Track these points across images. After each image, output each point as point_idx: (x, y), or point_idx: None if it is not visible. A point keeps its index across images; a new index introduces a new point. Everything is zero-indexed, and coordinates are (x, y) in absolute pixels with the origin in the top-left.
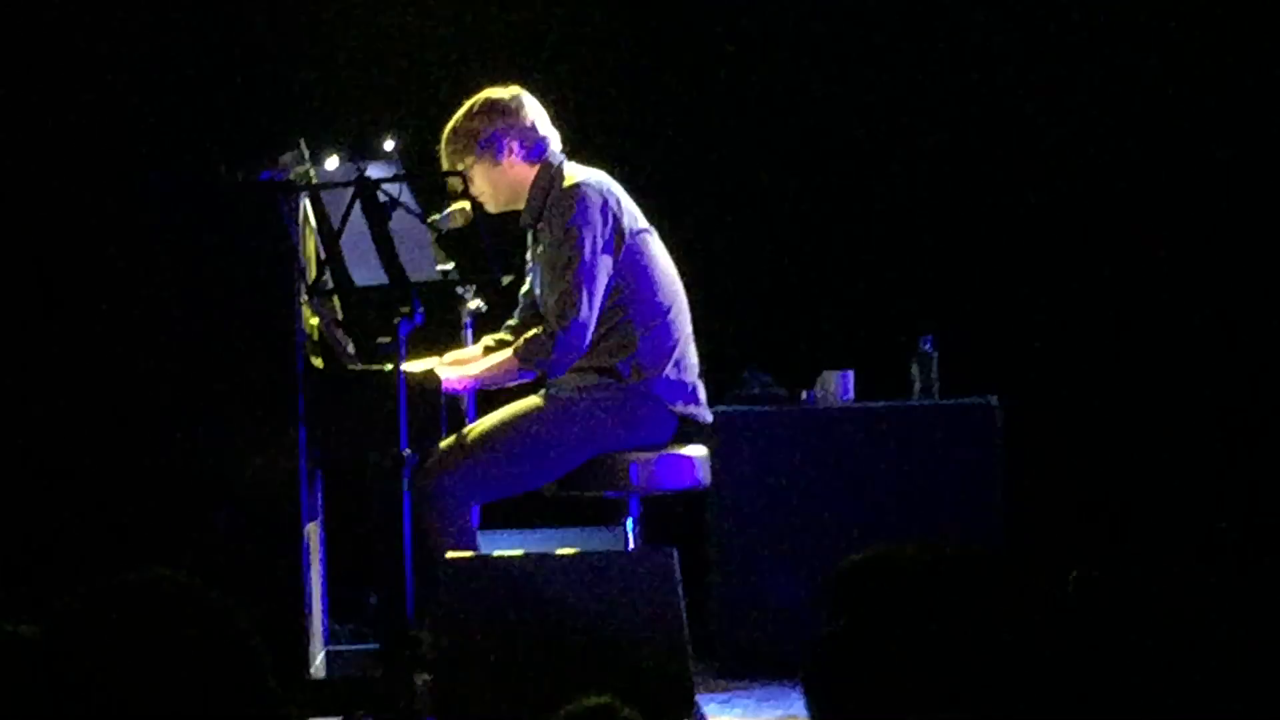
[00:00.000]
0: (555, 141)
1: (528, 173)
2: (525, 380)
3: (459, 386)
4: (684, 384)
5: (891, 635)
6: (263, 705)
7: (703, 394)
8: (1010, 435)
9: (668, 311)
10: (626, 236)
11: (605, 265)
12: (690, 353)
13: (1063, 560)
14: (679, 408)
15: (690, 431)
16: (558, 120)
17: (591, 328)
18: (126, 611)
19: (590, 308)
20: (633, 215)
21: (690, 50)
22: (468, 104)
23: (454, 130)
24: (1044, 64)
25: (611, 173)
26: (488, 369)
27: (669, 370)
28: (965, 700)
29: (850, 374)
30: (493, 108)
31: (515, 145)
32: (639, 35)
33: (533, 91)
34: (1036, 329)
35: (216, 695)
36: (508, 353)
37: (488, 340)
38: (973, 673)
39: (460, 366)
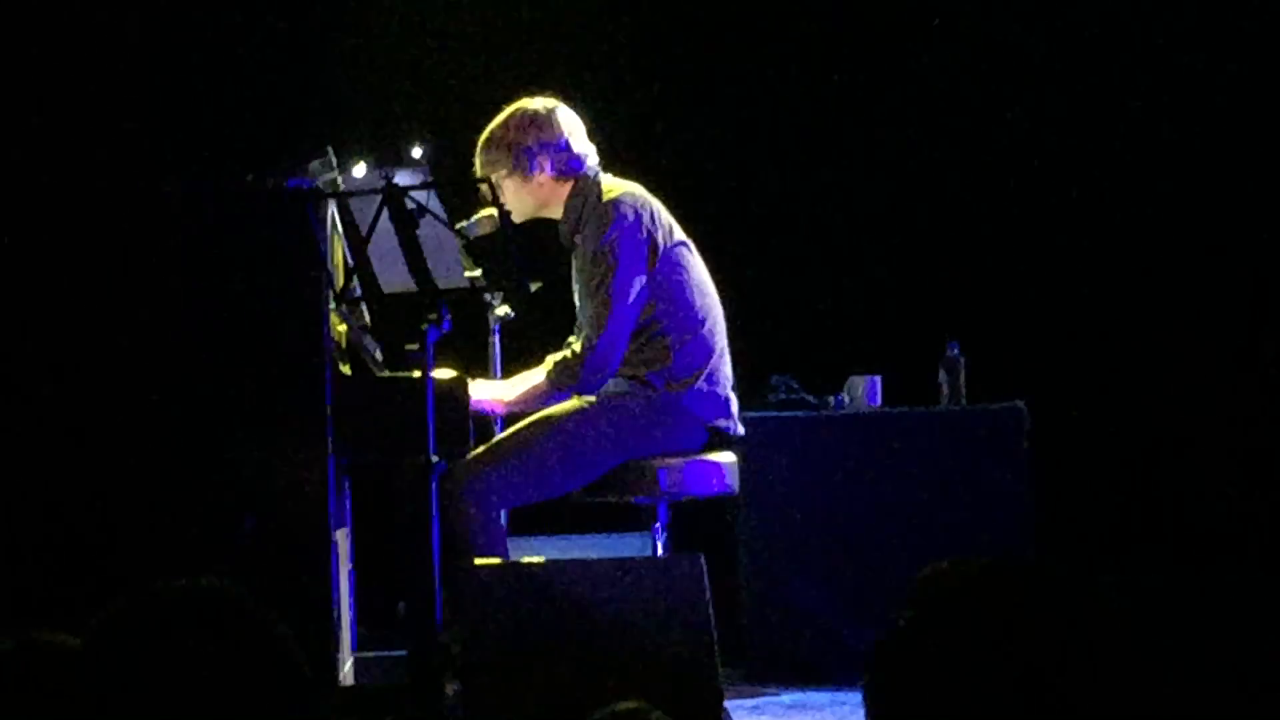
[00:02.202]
0: (591, 157)
1: (557, 189)
2: (558, 401)
3: (491, 409)
4: (716, 396)
5: (963, 644)
6: (304, 713)
7: (735, 407)
8: (1038, 440)
9: (703, 324)
10: (662, 250)
11: (639, 282)
12: (724, 366)
13: (1090, 566)
14: (710, 421)
15: (721, 443)
16: (588, 126)
17: (622, 346)
18: (171, 621)
19: (620, 327)
20: (669, 228)
21: (720, 59)
22: (504, 113)
23: (488, 139)
24: (1072, 69)
25: (641, 181)
26: (520, 395)
27: (701, 384)
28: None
29: (878, 379)
30: (527, 121)
31: (547, 163)
32: (669, 45)
33: (564, 100)
34: (1064, 334)
35: (258, 706)
36: (540, 377)
37: (554, 357)
38: (1040, 687)
39: (494, 389)
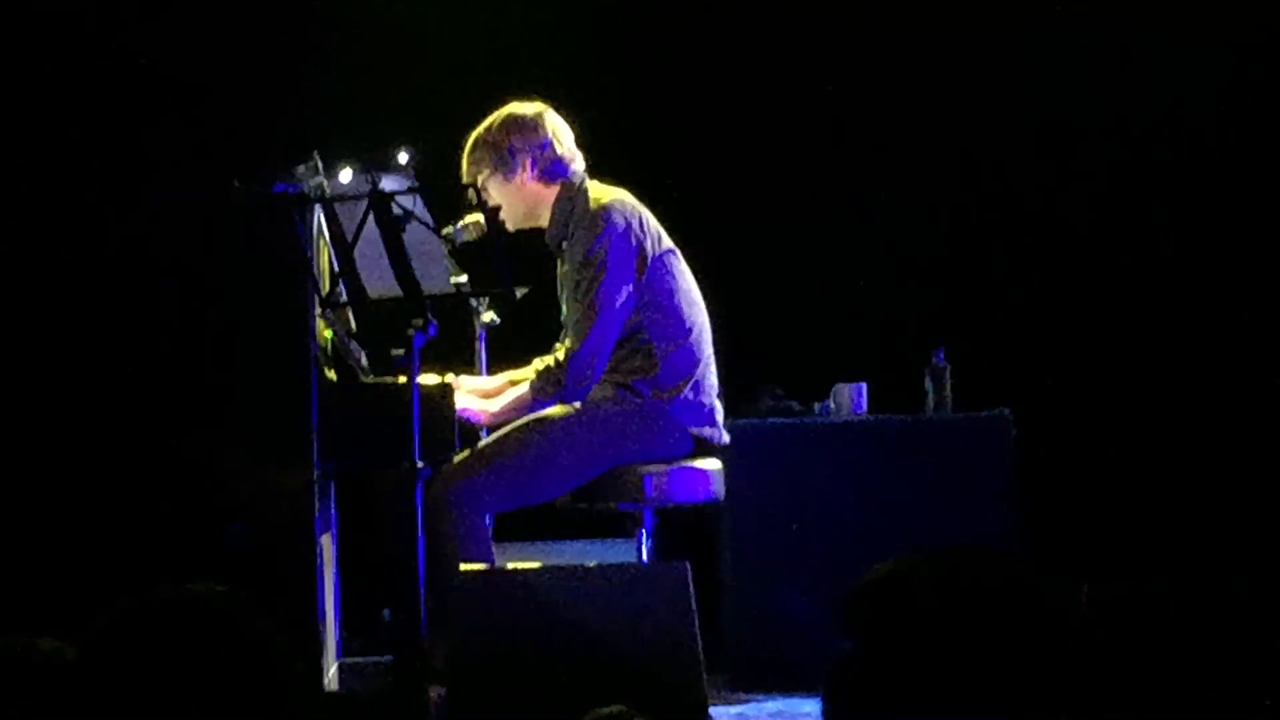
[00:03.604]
0: (578, 162)
1: (542, 192)
2: (542, 409)
3: (474, 418)
4: (701, 405)
5: (911, 651)
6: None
7: (720, 415)
8: (1023, 448)
9: (689, 333)
10: (650, 258)
11: (627, 290)
12: (710, 374)
13: (1076, 573)
14: (695, 429)
15: (707, 451)
16: (575, 135)
17: (605, 355)
18: (169, 626)
19: (604, 335)
20: (657, 236)
21: (707, 67)
22: (492, 116)
23: (475, 141)
24: (1058, 77)
25: (628, 188)
26: (504, 406)
27: (687, 392)
28: (987, 712)
29: (863, 387)
30: (513, 123)
31: (529, 163)
32: (657, 53)
33: (551, 106)
34: (1050, 342)
35: (252, 710)
36: (524, 389)
37: (538, 363)
38: (994, 683)
39: (479, 399)
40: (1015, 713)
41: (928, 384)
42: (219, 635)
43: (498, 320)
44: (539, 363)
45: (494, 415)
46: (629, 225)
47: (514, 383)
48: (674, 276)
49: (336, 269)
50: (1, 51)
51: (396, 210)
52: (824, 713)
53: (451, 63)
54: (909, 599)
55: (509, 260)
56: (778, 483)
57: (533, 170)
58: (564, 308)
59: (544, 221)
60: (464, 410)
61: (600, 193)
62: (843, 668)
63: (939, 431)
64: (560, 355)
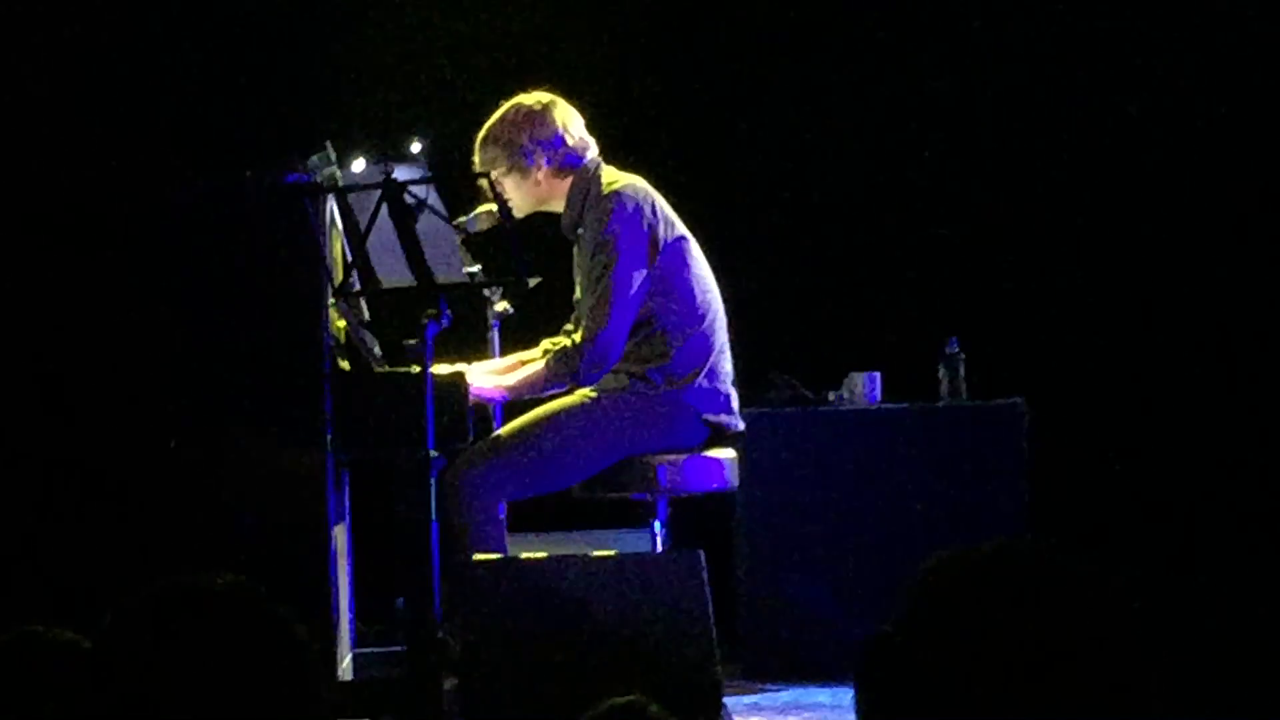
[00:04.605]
0: (590, 149)
1: (557, 183)
2: (556, 391)
3: (490, 395)
4: (716, 393)
5: (954, 635)
6: (317, 712)
7: (735, 402)
8: (1037, 437)
9: (703, 320)
10: (663, 244)
11: (639, 276)
12: (724, 361)
13: (1090, 562)
14: (711, 417)
15: (722, 439)
16: (587, 122)
17: (621, 339)
18: (180, 617)
19: (620, 319)
20: (670, 222)
21: (718, 55)
22: (500, 111)
23: (485, 137)
24: (1072, 67)
25: (642, 173)
26: (520, 381)
27: (701, 380)
28: (1027, 703)
29: (877, 376)
30: (523, 117)
31: (543, 159)
32: (668, 40)
33: (563, 94)
34: (1063, 331)
35: (274, 701)
36: (539, 366)
37: (546, 344)
38: (1039, 675)
39: (494, 376)
40: (1064, 709)
41: (942, 372)
42: (234, 624)
43: (511, 310)
44: (548, 343)
45: (508, 389)
46: (640, 209)
47: (525, 363)
48: (687, 263)
49: (349, 258)
50: (14, 42)
51: (410, 199)
52: (857, 698)
53: (464, 51)
54: (968, 588)
55: (522, 249)
56: (791, 472)
57: (548, 164)
58: (579, 293)
59: (554, 208)
60: (480, 389)
61: (613, 178)
62: (882, 651)
63: (953, 420)
64: (577, 338)
